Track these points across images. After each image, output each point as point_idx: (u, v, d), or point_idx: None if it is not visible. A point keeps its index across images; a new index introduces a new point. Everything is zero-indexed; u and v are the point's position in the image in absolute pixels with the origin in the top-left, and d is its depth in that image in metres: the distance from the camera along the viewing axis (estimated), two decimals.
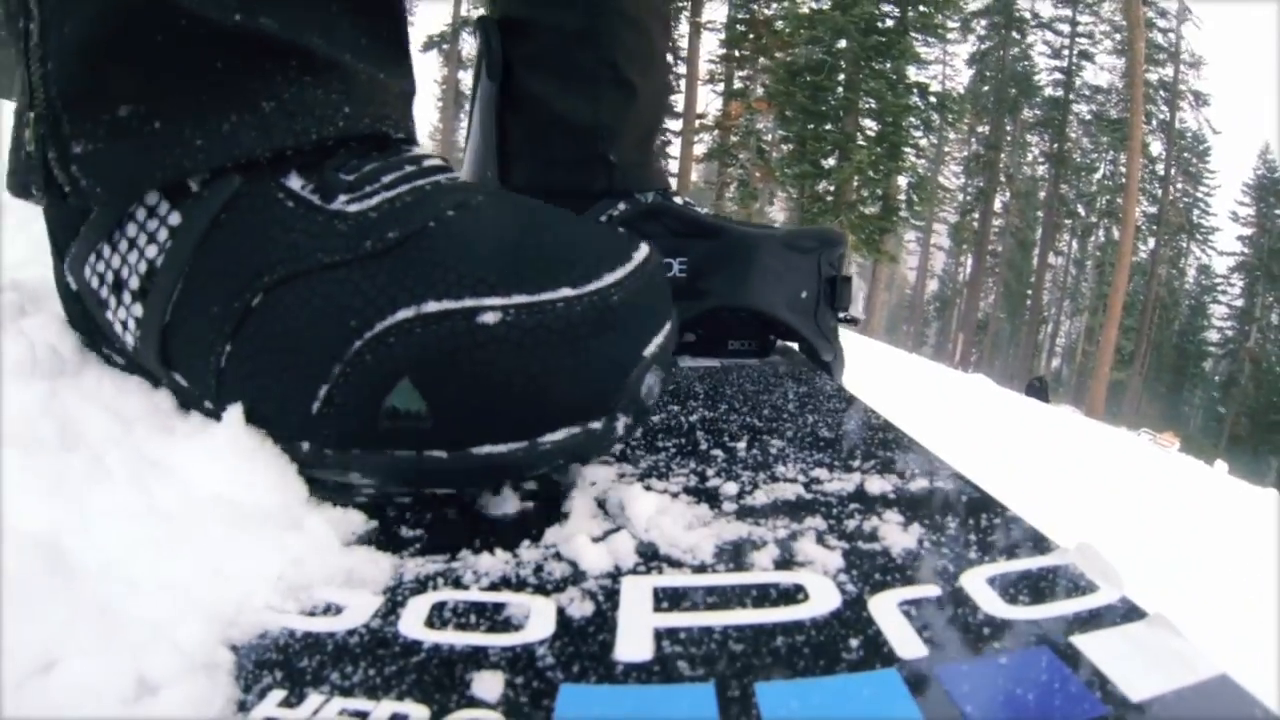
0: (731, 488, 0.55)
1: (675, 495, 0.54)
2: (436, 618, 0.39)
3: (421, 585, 0.43)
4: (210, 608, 0.37)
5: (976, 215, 35.54)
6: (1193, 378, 39.89)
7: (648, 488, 0.54)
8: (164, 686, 0.31)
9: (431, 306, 0.41)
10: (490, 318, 0.41)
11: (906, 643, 0.36)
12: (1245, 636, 1.65)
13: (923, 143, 20.87)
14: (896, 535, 0.47)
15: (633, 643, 0.37)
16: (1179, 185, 35.98)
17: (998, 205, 35.57)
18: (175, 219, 0.46)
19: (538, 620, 0.39)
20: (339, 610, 0.40)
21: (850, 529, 0.48)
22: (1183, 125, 33.27)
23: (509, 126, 1.02)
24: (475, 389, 0.42)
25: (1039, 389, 12.79)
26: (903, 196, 19.52)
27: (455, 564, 0.45)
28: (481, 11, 1.07)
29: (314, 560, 0.42)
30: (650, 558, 0.45)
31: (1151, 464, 4.75)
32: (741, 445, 0.65)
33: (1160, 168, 33.76)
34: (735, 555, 0.45)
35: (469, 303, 0.41)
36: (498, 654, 0.36)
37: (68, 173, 0.46)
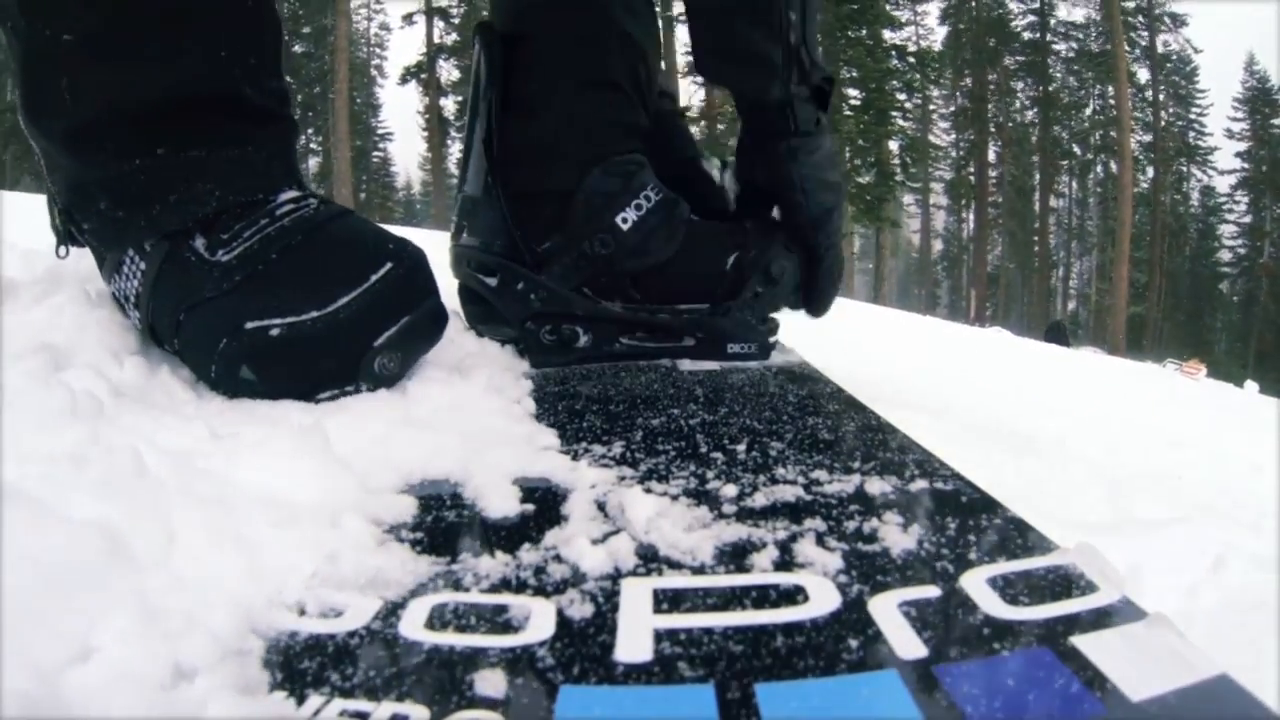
0: (731, 490, 0.55)
1: (675, 498, 0.54)
2: (437, 619, 0.40)
3: (422, 587, 0.43)
4: (244, 600, 0.40)
5: (972, 169, 35.27)
6: (1211, 301, 39.36)
7: (648, 490, 0.54)
8: (199, 673, 0.34)
9: (249, 324, 0.69)
10: (275, 331, 0.69)
11: (906, 643, 0.36)
12: None
13: (908, 105, 20.77)
14: (896, 536, 0.47)
15: (633, 644, 0.37)
16: (1170, 110, 35.56)
17: (992, 156, 35.33)
18: (141, 266, 0.74)
19: (538, 622, 0.39)
20: (339, 613, 0.41)
21: (850, 530, 0.48)
22: (1166, 49, 32.91)
23: (508, 132, 1.02)
24: (276, 370, 0.70)
25: (1058, 333, 12.70)
26: (896, 161, 19.42)
27: (455, 566, 0.45)
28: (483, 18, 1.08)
29: (349, 558, 0.46)
30: (650, 560, 0.45)
31: (1182, 393, 4.71)
32: (741, 447, 0.65)
33: (1149, 94, 33.45)
34: (735, 557, 0.45)
35: (265, 322, 0.69)
36: (498, 655, 0.36)
37: (84, 238, 0.78)
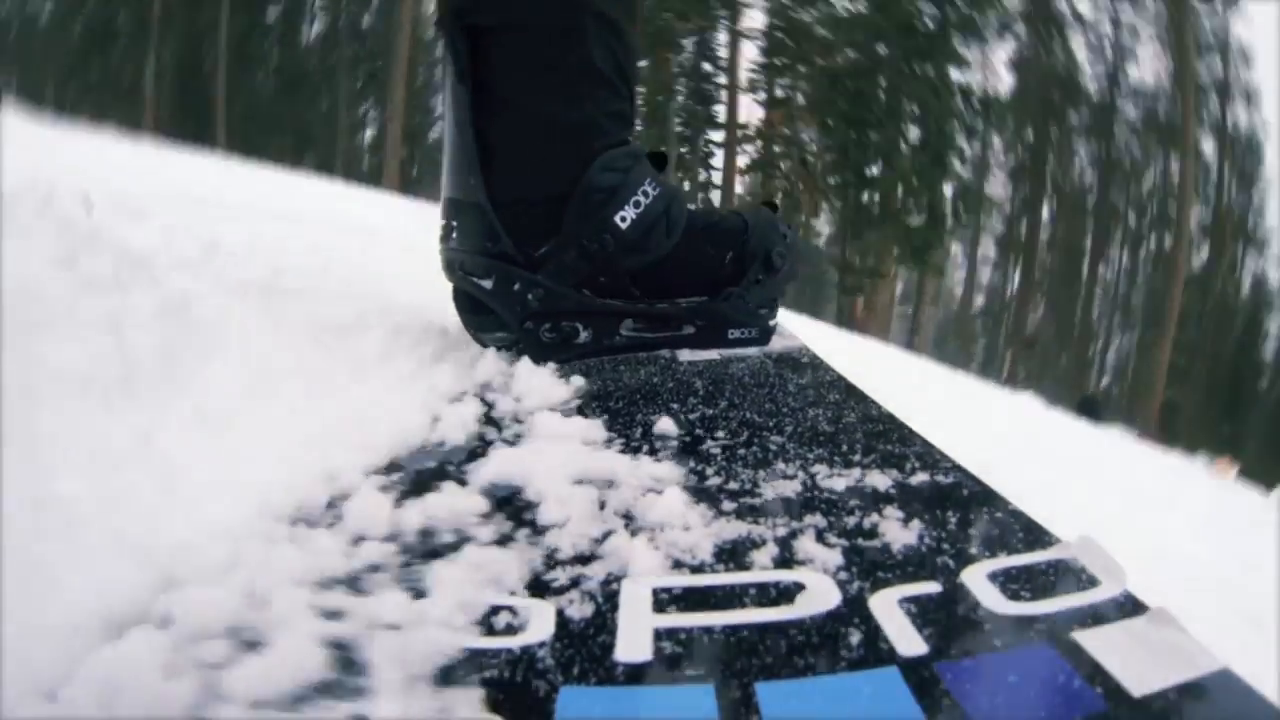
0: (731, 486, 0.55)
1: (670, 499, 0.53)
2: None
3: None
4: None
5: (1024, 225, 35.08)
6: (1248, 398, 38.96)
7: (648, 489, 0.54)
8: None
9: None
10: None
11: (907, 640, 0.36)
12: None
13: (967, 150, 20.64)
14: (896, 531, 0.46)
15: (633, 644, 0.37)
16: (1233, 190, 34.04)
17: (1045, 215, 35.00)
18: None
19: (537, 622, 0.39)
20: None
21: (850, 526, 0.48)
22: (1235, 128, 32.55)
23: (489, 133, 1.00)
24: None
25: (1091, 408, 12.54)
26: (948, 207, 19.30)
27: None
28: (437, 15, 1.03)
29: None
30: (650, 559, 0.45)
31: (1212, 495, 4.64)
32: (740, 441, 0.64)
33: (1214, 171, 32.45)
34: (735, 554, 0.45)
35: None
36: (498, 656, 0.36)
37: None
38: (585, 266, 0.99)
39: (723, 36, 21.39)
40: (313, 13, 29.21)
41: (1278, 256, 33.68)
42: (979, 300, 43.03)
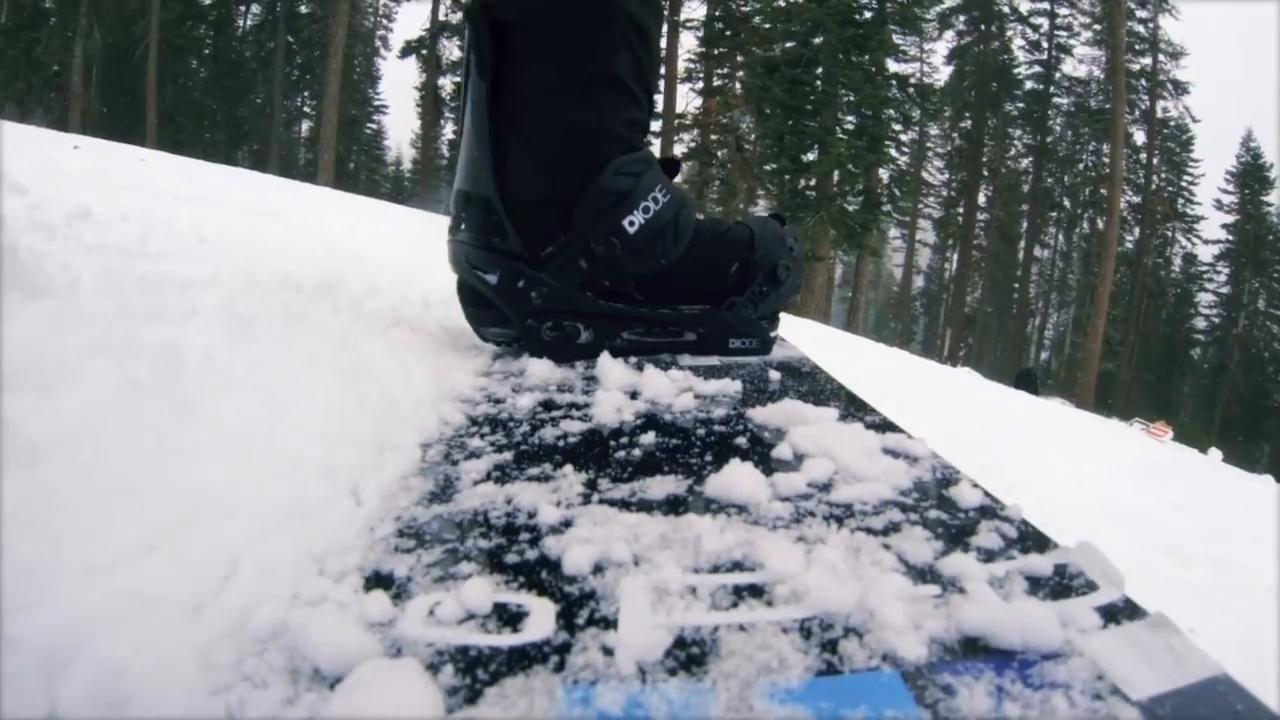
0: (732, 488, 0.54)
1: (673, 498, 0.54)
2: (438, 619, 0.40)
3: (422, 586, 0.43)
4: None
5: (961, 209, 35.43)
6: (1181, 366, 40.49)
7: (650, 490, 0.54)
8: None
9: None
10: None
11: (907, 641, 0.36)
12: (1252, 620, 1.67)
13: (903, 137, 20.72)
14: (897, 535, 0.47)
15: (633, 643, 0.36)
16: (1163, 174, 36.30)
17: (981, 199, 35.55)
18: None
19: (538, 620, 0.39)
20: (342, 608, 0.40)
21: (852, 528, 0.48)
22: (1165, 114, 33.43)
23: (505, 129, 1.00)
24: None
25: (1028, 381, 12.72)
26: (884, 191, 19.33)
27: (456, 566, 0.45)
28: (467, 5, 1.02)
29: None
30: (650, 558, 0.45)
31: (1150, 453, 4.76)
32: (742, 445, 0.65)
33: (1143, 157, 33.94)
34: (735, 555, 0.45)
35: None
36: (498, 654, 0.36)
37: None
38: (591, 268, 0.99)
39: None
40: None
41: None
42: (918, 282, 43.40)
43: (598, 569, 0.44)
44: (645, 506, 0.53)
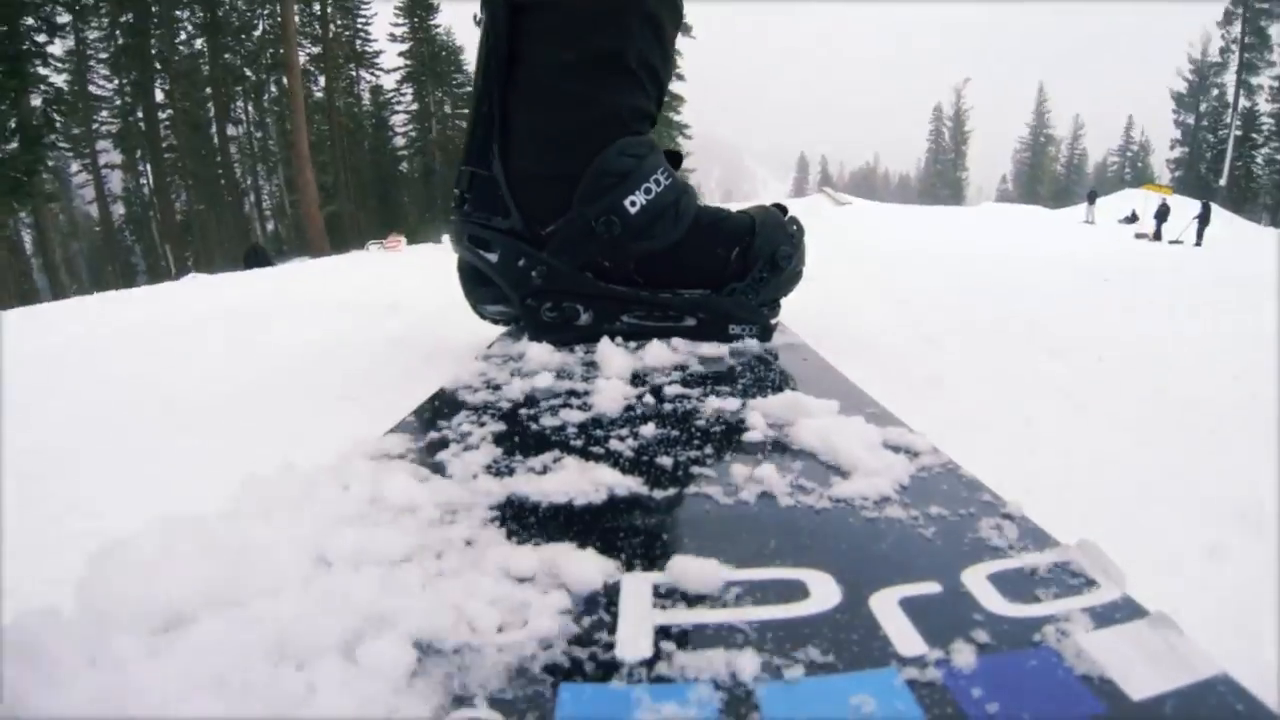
0: (731, 486, 0.54)
1: (674, 495, 0.53)
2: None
3: (422, 586, 0.42)
4: None
5: (140, 115, 34.41)
6: (397, 184, 44.34)
7: (645, 492, 0.54)
8: None
9: None
10: None
11: (907, 640, 0.36)
12: None
13: (54, 49, 18.05)
14: (897, 532, 0.46)
15: (633, 642, 0.37)
16: (339, 22, 39.23)
17: (160, 96, 34.64)
18: None
19: (538, 619, 0.38)
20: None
21: (851, 525, 0.48)
22: None
23: (513, 107, 1.01)
24: None
25: (257, 257, 12.64)
26: (40, 120, 16.11)
27: (455, 565, 0.44)
28: None
29: None
30: (650, 558, 0.45)
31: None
32: (743, 440, 0.65)
33: (318, 8, 35.87)
34: (735, 553, 0.45)
35: None
36: (498, 653, 0.36)
37: None
38: (591, 247, 0.99)
39: None
40: None
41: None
42: (119, 211, 40.25)
43: (596, 566, 0.43)
44: (646, 500, 0.53)
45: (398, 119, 44.96)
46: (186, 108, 35.17)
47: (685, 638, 0.37)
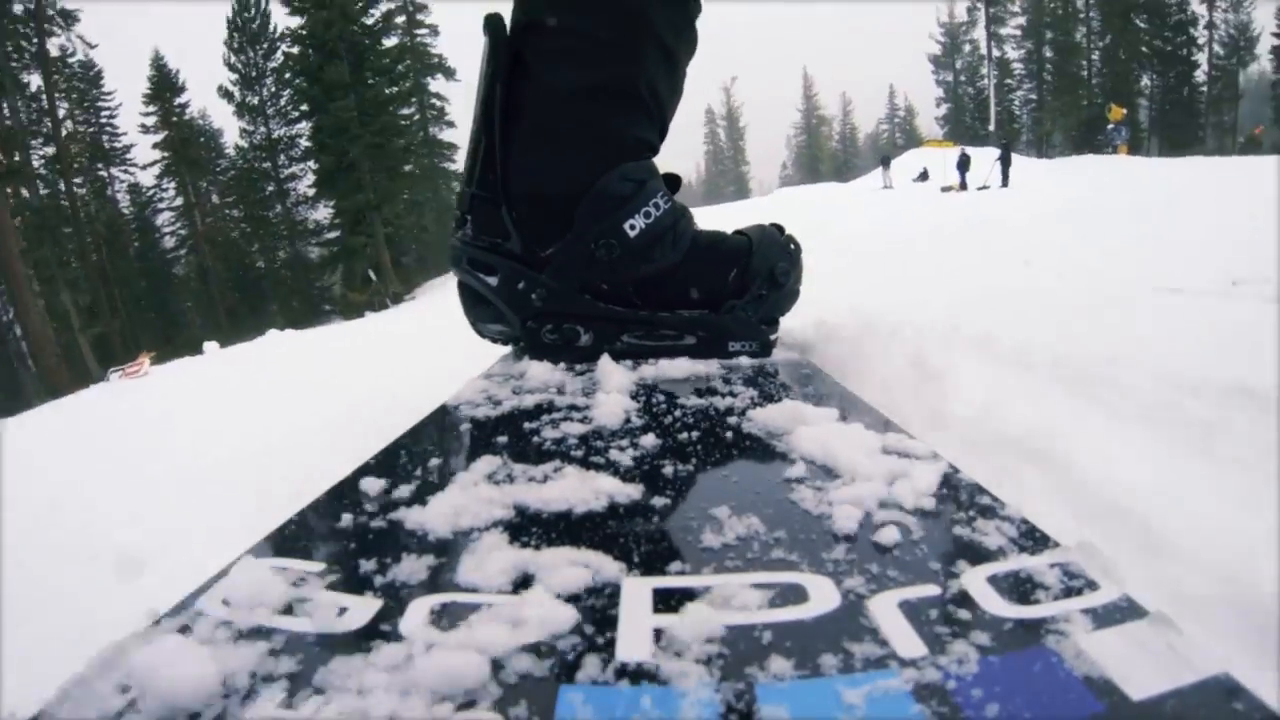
0: (729, 486, 0.55)
1: (674, 499, 0.54)
2: (437, 619, 0.40)
3: (422, 587, 0.43)
4: None
5: None
6: (173, 288, 40.06)
7: (645, 499, 0.54)
8: None
9: None
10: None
11: (906, 642, 0.36)
12: None
13: None
14: (896, 534, 0.46)
15: (633, 643, 0.37)
16: (80, 118, 35.18)
17: None
18: None
19: (537, 620, 0.39)
20: (342, 611, 0.40)
21: (850, 528, 0.48)
22: (63, 52, 31.10)
23: (515, 129, 1.00)
24: None
25: None
26: None
27: (456, 566, 0.45)
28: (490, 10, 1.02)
29: None
30: (650, 559, 0.45)
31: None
32: (743, 448, 0.65)
33: (45, 102, 30.85)
34: (735, 555, 0.45)
35: None
36: (497, 654, 0.36)
37: None
38: (591, 270, 1.00)
39: None
40: None
41: None
42: None
43: (596, 568, 0.44)
44: (645, 507, 0.53)
45: (163, 217, 39.64)
46: None
47: (684, 640, 0.37)
